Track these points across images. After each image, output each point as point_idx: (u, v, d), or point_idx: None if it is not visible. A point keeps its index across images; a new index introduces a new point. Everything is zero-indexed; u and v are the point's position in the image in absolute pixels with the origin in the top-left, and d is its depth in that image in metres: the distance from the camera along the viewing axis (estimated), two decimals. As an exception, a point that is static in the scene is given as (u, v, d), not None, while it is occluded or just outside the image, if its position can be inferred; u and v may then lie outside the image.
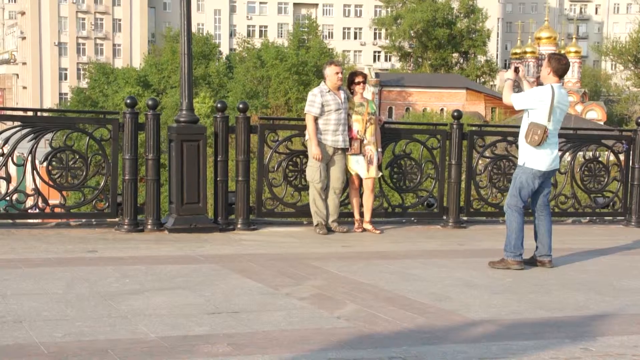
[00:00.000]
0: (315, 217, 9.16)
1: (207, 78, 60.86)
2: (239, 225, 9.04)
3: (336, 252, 8.17)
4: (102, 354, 4.31)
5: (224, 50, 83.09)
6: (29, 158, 8.62)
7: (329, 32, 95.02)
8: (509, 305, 6.01)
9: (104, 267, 6.83)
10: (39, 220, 8.99)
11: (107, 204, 8.83)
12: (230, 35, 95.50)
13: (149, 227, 8.68)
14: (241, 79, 62.32)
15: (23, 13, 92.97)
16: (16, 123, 8.69)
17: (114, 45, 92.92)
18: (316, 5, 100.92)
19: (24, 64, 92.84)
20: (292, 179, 9.56)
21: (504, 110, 59.63)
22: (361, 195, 9.43)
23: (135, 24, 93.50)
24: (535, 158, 7.30)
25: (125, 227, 8.60)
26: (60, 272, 6.53)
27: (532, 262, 7.56)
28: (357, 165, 9.22)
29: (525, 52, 73.00)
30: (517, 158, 7.99)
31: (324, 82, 9.26)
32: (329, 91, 9.12)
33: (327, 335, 4.88)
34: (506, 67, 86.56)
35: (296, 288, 6.25)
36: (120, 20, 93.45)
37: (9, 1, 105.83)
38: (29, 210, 8.84)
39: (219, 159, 9.07)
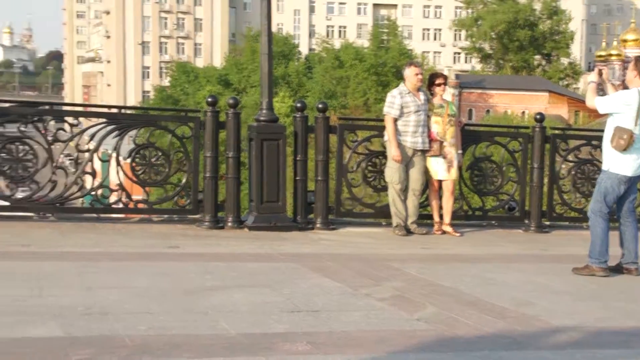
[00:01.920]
0: (394, 218, 9.12)
1: (286, 78, 61.23)
2: (318, 225, 9.07)
3: (415, 253, 8.13)
4: (183, 348, 4.36)
5: (303, 50, 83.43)
6: (114, 154, 8.82)
7: (408, 33, 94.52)
8: (594, 312, 5.89)
9: (185, 263, 6.96)
10: (123, 215, 9.20)
11: (188, 201, 8.97)
12: (310, 35, 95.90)
13: (229, 224, 8.77)
14: (320, 79, 62.55)
15: (108, 12, 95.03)
16: (101, 120, 8.89)
17: (195, 44, 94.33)
18: (395, 6, 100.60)
19: (109, 62, 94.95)
20: (371, 179, 9.54)
21: (588, 113, 58.39)
22: (441, 198, 9.37)
23: (216, 23, 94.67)
24: (620, 163, 7.12)
25: (206, 223, 8.71)
26: (143, 267, 6.68)
27: (617, 270, 7.37)
28: (437, 166, 9.15)
29: (610, 55, 71.42)
30: (601, 163, 7.81)
31: (404, 83, 9.22)
32: (408, 92, 9.08)
33: (407, 337, 4.86)
34: (590, 69, 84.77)
35: (375, 289, 6.23)
36: (201, 19, 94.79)
37: (95, 1, 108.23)
38: (113, 206, 9.04)
39: (298, 159, 9.11)
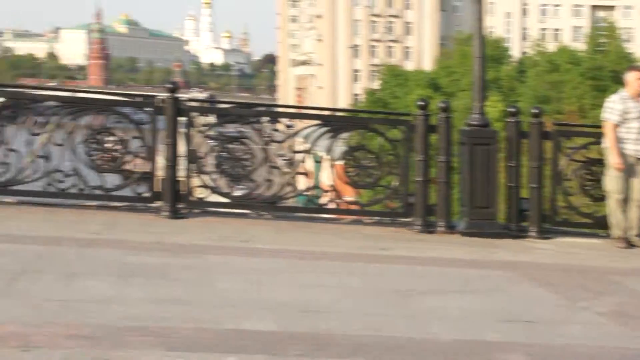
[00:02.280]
0: (614, 229, 8.70)
1: (497, 82, 60.16)
2: (531, 233, 8.82)
3: (638, 268, 7.73)
4: (396, 351, 4.38)
5: (515, 54, 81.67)
6: (326, 155, 9.01)
7: (628, 36, 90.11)
8: None
9: (397, 266, 7.00)
10: (335, 216, 9.37)
11: (400, 204, 9.00)
12: (522, 38, 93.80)
13: (440, 229, 8.70)
14: (533, 83, 61.01)
15: (320, 16, 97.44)
16: (315, 121, 9.11)
17: (404, 48, 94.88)
18: (614, 7, 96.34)
19: (320, 65, 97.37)
20: (588, 188, 9.18)
21: None
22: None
23: (426, 27, 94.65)
24: None
25: (417, 227, 8.69)
26: (356, 267, 6.79)
27: None
28: (662, 177, 8.66)
29: None
30: None
31: (624, 88, 8.82)
32: (630, 98, 8.68)
33: (631, 356, 4.64)
34: None
35: (594, 302, 5.97)
36: (411, 23, 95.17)
37: (308, 5, 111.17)
38: (325, 206, 9.21)
39: (510, 164, 8.93)
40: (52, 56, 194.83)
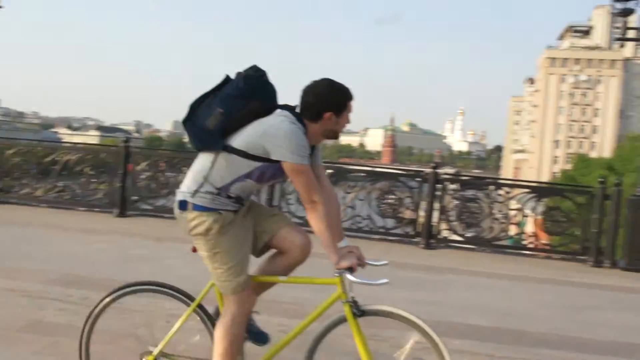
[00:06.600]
0: None
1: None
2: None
3: None
4: (569, 345, 4.20)
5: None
6: (531, 213, 8.79)
7: None
8: None
9: (574, 288, 6.61)
10: (533, 253, 8.93)
11: (578, 247, 8.52)
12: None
13: (606, 264, 8.16)
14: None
15: (534, 121, 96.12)
16: (526, 190, 8.99)
17: (591, 142, 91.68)
18: None
19: (532, 153, 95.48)
20: None
21: None
22: None
23: (608, 128, 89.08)
24: None
25: (590, 263, 8.20)
26: (546, 288, 6.53)
27: None
28: None
29: None
30: None
31: None
32: None
33: None
34: None
35: None
36: (597, 126, 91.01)
37: (529, 113, 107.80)
38: (527, 245, 8.99)
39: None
40: (361, 145, 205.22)
